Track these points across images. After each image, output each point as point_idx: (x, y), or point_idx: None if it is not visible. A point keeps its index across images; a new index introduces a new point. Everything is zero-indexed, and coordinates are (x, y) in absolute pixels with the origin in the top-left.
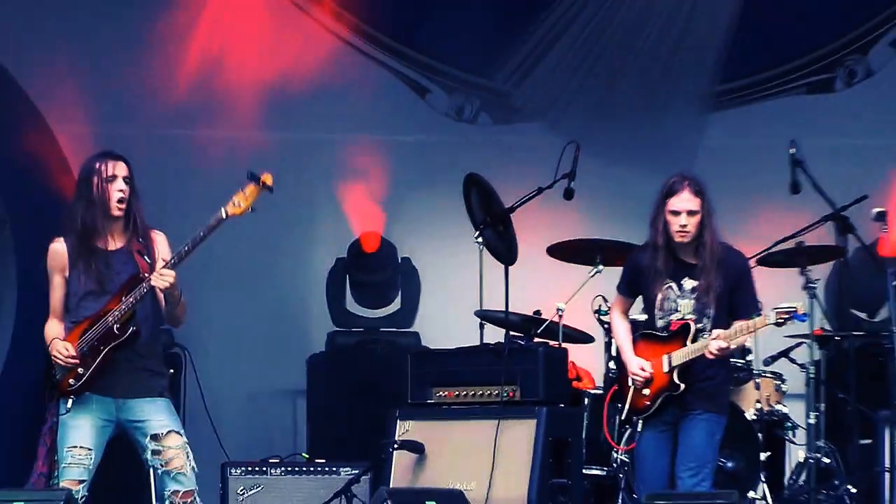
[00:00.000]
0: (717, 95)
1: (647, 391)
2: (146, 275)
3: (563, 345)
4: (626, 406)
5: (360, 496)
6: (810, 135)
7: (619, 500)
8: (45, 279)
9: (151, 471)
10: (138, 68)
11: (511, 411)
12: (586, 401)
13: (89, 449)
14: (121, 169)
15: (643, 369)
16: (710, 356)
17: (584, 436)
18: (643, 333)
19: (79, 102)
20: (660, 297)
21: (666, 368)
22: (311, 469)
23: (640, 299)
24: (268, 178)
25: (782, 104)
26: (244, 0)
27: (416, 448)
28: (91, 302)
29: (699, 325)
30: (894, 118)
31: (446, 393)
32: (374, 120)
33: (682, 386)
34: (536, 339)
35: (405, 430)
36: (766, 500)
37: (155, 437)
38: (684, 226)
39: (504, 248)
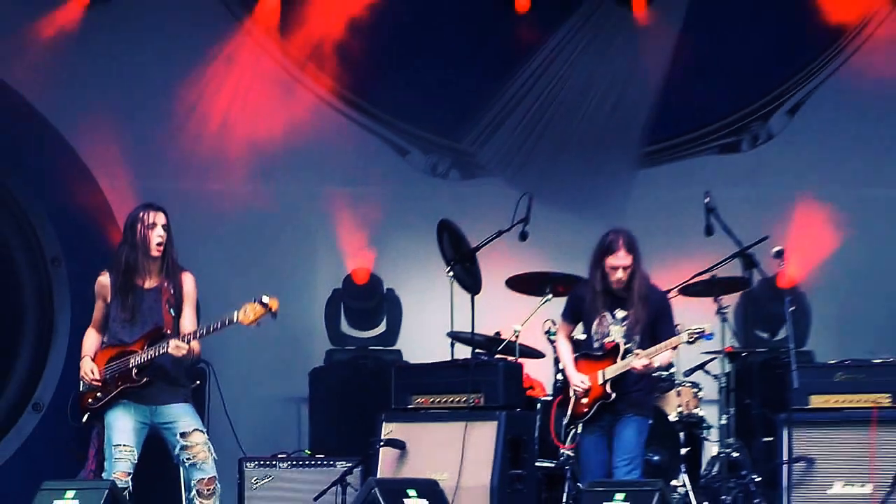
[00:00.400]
0: (645, 155)
1: (585, 400)
2: (168, 331)
3: (519, 360)
4: (569, 412)
5: (353, 485)
6: (721, 187)
7: (566, 488)
8: (92, 303)
9: (181, 464)
10: (168, 130)
11: (476, 415)
12: (538, 406)
13: (132, 447)
14: (160, 218)
15: (583, 382)
16: (637, 371)
17: (536, 435)
18: (582, 353)
19: (118, 158)
20: (595, 324)
21: (600, 381)
22: (313, 463)
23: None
24: (274, 304)
25: (699, 162)
26: (255, 74)
27: (398, 445)
28: (123, 328)
29: (627, 346)
30: (790, 173)
31: (423, 400)
32: (363, 175)
33: (613, 395)
34: (497, 356)
35: (389, 430)
36: (686, 487)
37: (183, 435)
38: (620, 278)
39: (470, 281)
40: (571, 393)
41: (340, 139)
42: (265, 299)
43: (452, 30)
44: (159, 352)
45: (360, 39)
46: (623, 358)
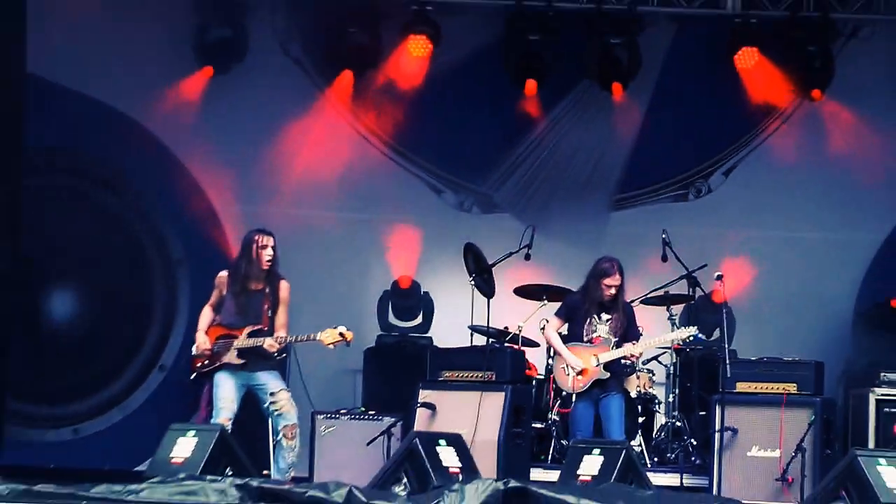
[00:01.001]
0: (616, 201)
1: (580, 377)
2: (265, 328)
3: (521, 348)
4: (569, 385)
5: (396, 436)
6: (674, 226)
7: (553, 444)
8: (205, 292)
9: (269, 416)
10: (264, 169)
11: (489, 387)
12: (533, 382)
13: (232, 401)
14: (270, 241)
15: (578, 363)
16: (629, 359)
17: (532, 403)
18: (571, 343)
19: (228, 187)
20: (586, 323)
21: (594, 364)
22: (366, 417)
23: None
24: (349, 336)
25: (657, 207)
26: (329, 128)
27: (430, 407)
28: (232, 316)
29: (616, 340)
30: (724, 218)
31: (450, 374)
32: (409, 208)
33: (609, 374)
34: (505, 344)
35: (424, 396)
36: (642, 447)
37: (272, 394)
38: (611, 293)
39: (487, 289)
40: (566, 371)
41: (392, 180)
42: (344, 331)
43: (478, 102)
44: (256, 343)
45: (408, 106)
46: (615, 348)
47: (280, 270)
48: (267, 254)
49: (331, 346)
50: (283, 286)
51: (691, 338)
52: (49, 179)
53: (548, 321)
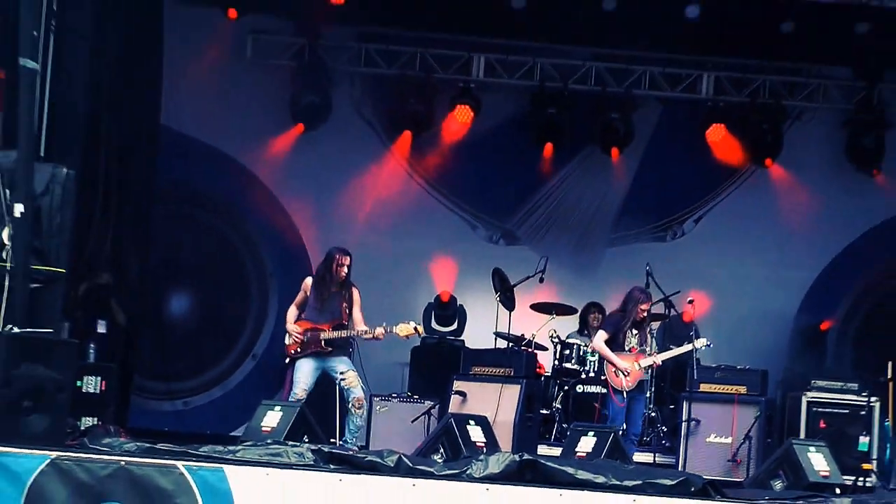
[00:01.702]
0: (611, 240)
1: (629, 378)
2: (345, 322)
3: (534, 351)
4: (624, 384)
5: (434, 415)
6: (655, 260)
7: (555, 427)
8: (290, 297)
9: (342, 390)
10: (339, 205)
11: (508, 380)
12: (542, 378)
13: (308, 381)
14: (347, 260)
15: (628, 368)
16: (657, 365)
17: (541, 394)
18: (616, 352)
19: (311, 219)
20: (622, 337)
21: (637, 368)
22: (412, 400)
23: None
24: (420, 330)
25: (641, 246)
26: (391, 176)
27: (462, 395)
28: (314, 311)
29: (650, 352)
30: (694, 255)
31: (478, 369)
32: (450, 239)
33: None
34: (522, 348)
35: (458, 385)
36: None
37: (342, 373)
38: (644, 315)
39: (509, 304)
40: (617, 374)
41: (437, 217)
42: (418, 326)
43: (507, 158)
44: (340, 336)
45: (453, 160)
46: (648, 357)
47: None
48: (343, 270)
49: (405, 338)
50: (356, 292)
51: (704, 347)
52: (173, 207)
53: (555, 331)
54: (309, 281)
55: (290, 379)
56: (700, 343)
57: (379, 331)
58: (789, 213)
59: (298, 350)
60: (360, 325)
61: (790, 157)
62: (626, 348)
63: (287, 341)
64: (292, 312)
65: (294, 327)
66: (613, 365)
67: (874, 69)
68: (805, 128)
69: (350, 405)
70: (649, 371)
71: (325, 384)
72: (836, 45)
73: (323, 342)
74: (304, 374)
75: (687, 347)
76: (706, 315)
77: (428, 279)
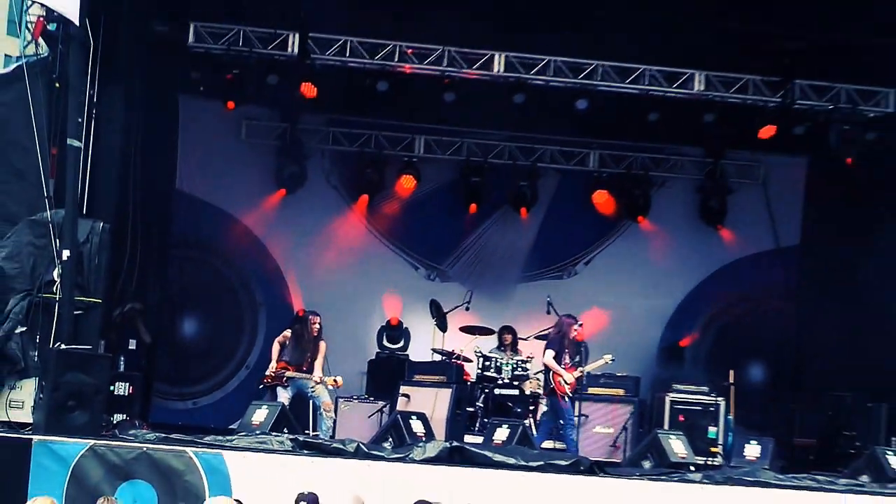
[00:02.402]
0: (520, 279)
1: (569, 387)
2: (305, 369)
3: (462, 363)
4: (567, 391)
5: (386, 413)
6: (554, 294)
7: (478, 421)
8: (276, 329)
9: (312, 399)
10: (311, 254)
11: (442, 385)
12: (468, 384)
13: (289, 394)
14: (318, 319)
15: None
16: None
17: (467, 396)
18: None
19: (292, 265)
20: (563, 355)
21: (576, 377)
22: (369, 401)
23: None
24: (340, 383)
25: (542, 283)
26: (350, 227)
27: (407, 396)
28: (291, 353)
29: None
30: (583, 289)
31: (419, 377)
32: (399, 277)
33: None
34: (453, 360)
35: (404, 390)
36: (531, 424)
37: (312, 388)
38: (574, 336)
39: (443, 327)
40: (561, 382)
41: (388, 260)
42: (338, 379)
43: (441, 214)
44: (302, 377)
45: (400, 216)
46: (578, 370)
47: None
48: (315, 327)
49: (330, 386)
50: (323, 345)
51: (610, 362)
52: (185, 252)
53: (478, 347)
54: (288, 332)
55: (273, 389)
56: (608, 358)
57: (319, 383)
58: (656, 258)
59: (269, 382)
60: (316, 374)
61: (656, 214)
62: (563, 364)
63: (267, 372)
64: (275, 350)
65: (273, 365)
66: (560, 376)
67: (718, 149)
68: (667, 192)
69: (320, 410)
70: (530, 376)
71: (302, 395)
72: (690, 131)
73: (284, 380)
74: (285, 391)
75: (600, 363)
76: (593, 335)
77: (381, 308)
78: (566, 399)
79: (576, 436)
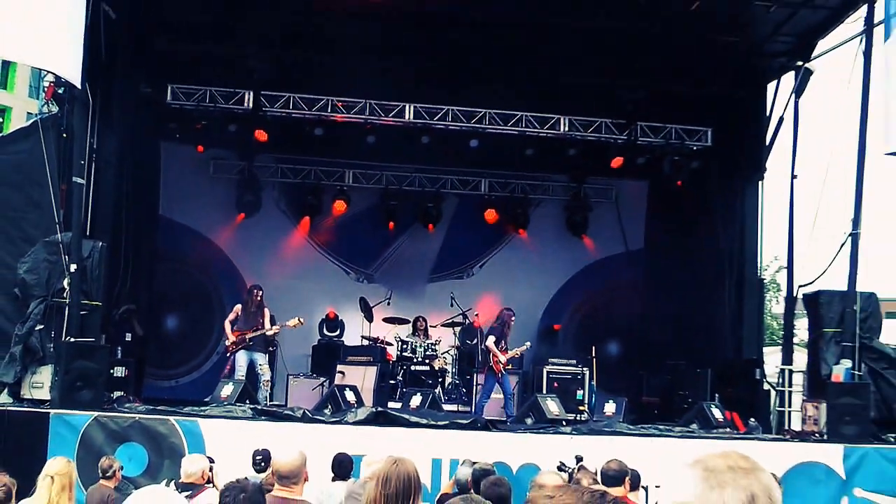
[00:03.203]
0: (430, 279)
1: (502, 364)
2: (259, 328)
3: (385, 346)
4: (499, 369)
5: (326, 386)
6: (457, 290)
7: (398, 391)
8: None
9: (258, 375)
10: (270, 264)
11: (370, 364)
12: (391, 362)
13: (244, 367)
14: (260, 291)
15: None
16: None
17: (389, 372)
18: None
19: (250, 269)
20: (502, 340)
21: (505, 359)
22: (313, 377)
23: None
24: (303, 321)
25: (447, 283)
26: (296, 243)
27: (342, 373)
28: (244, 321)
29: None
30: (480, 287)
31: (352, 358)
32: (334, 281)
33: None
34: (378, 344)
35: (340, 368)
36: (440, 392)
37: (260, 364)
38: (511, 325)
39: (370, 318)
40: (499, 361)
41: (326, 268)
42: (301, 319)
43: (367, 230)
44: (256, 333)
45: (334, 232)
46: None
47: (275, 306)
48: (257, 297)
49: (293, 327)
50: (266, 311)
51: (528, 347)
52: (167, 264)
53: (399, 335)
54: (238, 306)
55: (232, 365)
56: (528, 344)
57: (275, 328)
58: (534, 261)
59: (235, 347)
60: (267, 327)
61: (533, 227)
62: (500, 347)
63: (227, 343)
64: (227, 326)
65: (230, 335)
66: (496, 356)
67: (580, 176)
68: (541, 210)
69: (261, 383)
70: (439, 354)
71: (252, 367)
72: (558, 162)
73: (247, 339)
74: (241, 363)
75: (522, 348)
76: (487, 322)
77: (321, 304)
78: (501, 374)
79: (514, 403)
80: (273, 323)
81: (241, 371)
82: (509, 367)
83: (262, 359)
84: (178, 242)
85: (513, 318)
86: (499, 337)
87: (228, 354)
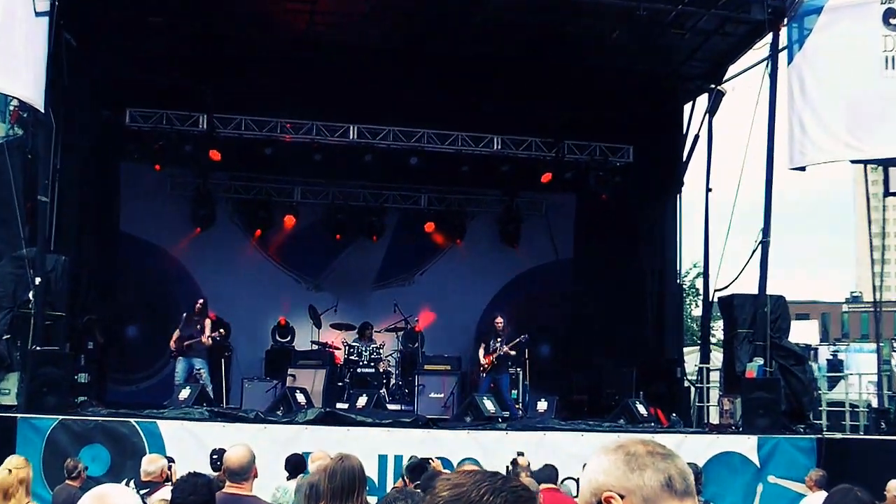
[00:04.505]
0: (374, 287)
1: (484, 367)
2: (196, 335)
3: (333, 351)
4: (483, 369)
5: (279, 389)
6: (400, 298)
7: (346, 392)
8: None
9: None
10: (223, 274)
11: (319, 367)
12: (339, 366)
13: (182, 371)
14: (202, 301)
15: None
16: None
17: (337, 374)
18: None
19: (206, 279)
20: (491, 344)
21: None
22: (266, 380)
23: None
24: (220, 333)
25: (392, 289)
26: (250, 255)
27: (294, 377)
28: (186, 329)
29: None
30: (421, 293)
31: (303, 362)
32: (285, 289)
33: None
34: (327, 349)
35: (291, 371)
36: (385, 393)
37: (198, 369)
38: (500, 329)
39: (318, 324)
40: (483, 363)
41: (277, 277)
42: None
43: (315, 243)
44: (195, 340)
45: (285, 245)
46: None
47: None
48: (198, 306)
49: (212, 336)
50: (208, 321)
51: (524, 337)
52: (127, 276)
53: (347, 342)
54: (185, 316)
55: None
56: (522, 337)
57: (205, 337)
58: (472, 269)
59: (177, 353)
60: (205, 336)
61: (470, 238)
62: (491, 350)
63: (172, 347)
64: (175, 334)
65: (174, 342)
66: (480, 363)
67: (512, 190)
68: (477, 223)
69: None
70: (383, 357)
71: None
72: (492, 178)
73: (186, 347)
74: (179, 368)
75: (516, 340)
76: (428, 325)
77: (273, 311)
78: (481, 376)
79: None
80: (230, 331)
81: (179, 376)
82: (510, 364)
83: (199, 364)
84: (138, 256)
85: (497, 321)
86: (487, 344)
87: (172, 359)
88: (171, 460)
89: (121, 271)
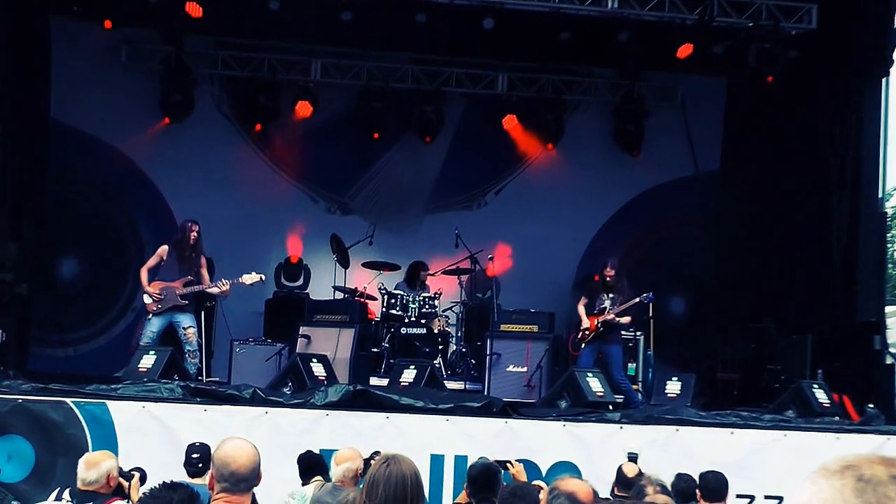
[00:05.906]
0: (427, 210)
1: (586, 331)
2: (193, 279)
3: (365, 301)
4: (579, 337)
5: (285, 356)
6: (463, 225)
7: (384, 362)
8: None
9: (183, 343)
10: (201, 185)
11: (345, 325)
12: (373, 323)
13: (154, 330)
14: (196, 227)
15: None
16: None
17: (371, 335)
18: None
19: (180, 193)
20: (597, 298)
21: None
22: (266, 343)
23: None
24: (263, 278)
25: (453, 214)
26: (248, 161)
27: (307, 338)
28: (170, 271)
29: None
30: (494, 220)
31: (319, 317)
32: (298, 211)
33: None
34: (356, 298)
35: (304, 331)
36: (441, 365)
37: (185, 328)
38: (609, 280)
39: (345, 263)
40: (584, 326)
41: (286, 193)
42: (262, 276)
43: (341, 144)
44: (192, 289)
45: (297, 146)
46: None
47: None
48: (194, 235)
49: (251, 285)
50: (204, 259)
51: (648, 296)
52: (63, 186)
53: (383, 284)
54: (164, 248)
55: (140, 330)
56: (641, 296)
57: (226, 285)
58: (570, 186)
59: (159, 306)
60: (206, 282)
61: (570, 140)
62: (596, 308)
63: (146, 300)
64: (144, 275)
65: (151, 289)
66: (583, 325)
67: (633, 70)
68: (580, 117)
69: (186, 355)
70: (439, 313)
71: (173, 331)
72: (604, 51)
73: (179, 297)
74: (153, 327)
75: (634, 301)
76: (505, 270)
77: (279, 243)
78: (582, 345)
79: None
80: (214, 274)
81: (147, 338)
82: (627, 328)
83: (188, 321)
84: (77, 157)
85: (608, 270)
86: (592, 299)
87: (150, 317)
88: (138, 471)
89: (51, 179)
